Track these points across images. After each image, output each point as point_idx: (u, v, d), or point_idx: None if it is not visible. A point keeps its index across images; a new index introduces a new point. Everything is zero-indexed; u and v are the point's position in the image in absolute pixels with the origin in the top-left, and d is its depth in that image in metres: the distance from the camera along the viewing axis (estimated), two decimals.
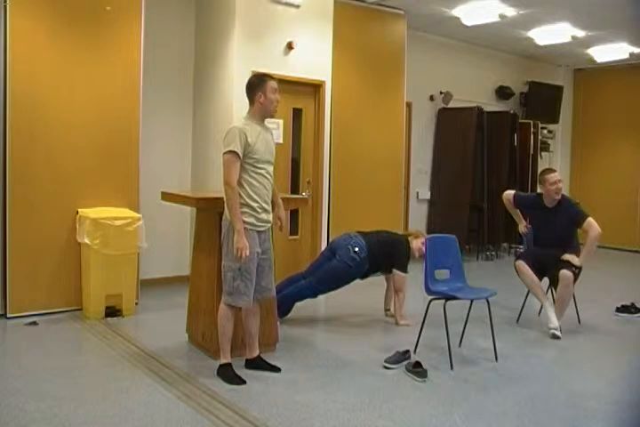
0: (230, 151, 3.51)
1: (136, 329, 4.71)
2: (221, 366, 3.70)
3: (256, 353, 3.84)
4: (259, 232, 3.64)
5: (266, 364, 3.82)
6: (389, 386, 3.65)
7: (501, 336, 4.37)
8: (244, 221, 3.55)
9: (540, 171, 5.36)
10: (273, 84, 3.67)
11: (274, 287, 3.87)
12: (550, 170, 5.06)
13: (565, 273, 4.60)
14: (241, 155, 3.51)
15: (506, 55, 9.29)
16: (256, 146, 3.56)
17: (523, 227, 5.16)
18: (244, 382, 3.60)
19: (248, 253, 3.49)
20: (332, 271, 4.69)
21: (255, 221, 3.60)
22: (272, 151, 3.75)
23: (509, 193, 5.19)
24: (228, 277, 3.60)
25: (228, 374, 3.65)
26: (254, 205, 3.59)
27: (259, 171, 3.61)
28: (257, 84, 3.67)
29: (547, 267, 4.81)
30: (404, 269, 4.83)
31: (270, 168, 3.71)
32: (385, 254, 4.78)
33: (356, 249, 4.64)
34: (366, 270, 4.78)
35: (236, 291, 3.58)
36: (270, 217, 3.75)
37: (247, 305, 3.66)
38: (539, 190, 5.19)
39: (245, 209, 3.57)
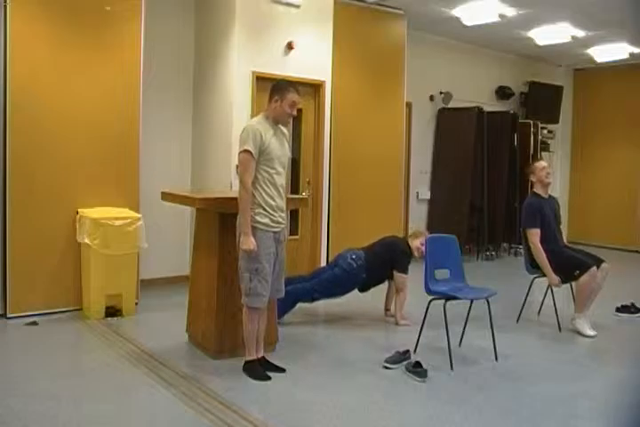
0: (245, 151, 3.50)
1: (136, 329, 4.71)
2: (247, 362, 3.73)
3: (260, 354, 3.82)
4: (273, 233, 3.64)
5: (270, 365, 3.79)
6: (389, 386, 3.65)
7: (501, 336, 4.36)
8: (259, 222, 3.55)
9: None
10: (294, 97, 3.61)
11: (283, 288, 3.88)
12: (535, 160, 5.42)
13: (607, 266, 4.87)
14: (255, 154, 3.50)
15: (506, 55, 9.28)
16: (270, 145, 3.55)
17: (555, 280, 4.78)
18: (270, 378, 3.64)
19: (259, 252, 3.50)
20: (330, 277, 4.86)
21: (270, 222, 3.59)
22: (287, 153, 3.74)
23: (533, 233, 4.86)
24: (245, 278, 3.60)
25: (254, 370, 3.69)
26: (269, 205, 3.58)
27: (273, 171, 3.59)
28: (280, 89, 3.64)
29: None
30: (404, 270, 4.89)
31: (283, 170, 3.69)
32: (384, 261, 4.90)
33: (354, 257, 4.89)
34: (364, 281, 4.91)
35: (252, 292, 3.59)
36: (285, 218, 3.74)
37: (263, 306, 3.68)
38: (533, 189, 5.21)
39: (259, 210, 3.56)
